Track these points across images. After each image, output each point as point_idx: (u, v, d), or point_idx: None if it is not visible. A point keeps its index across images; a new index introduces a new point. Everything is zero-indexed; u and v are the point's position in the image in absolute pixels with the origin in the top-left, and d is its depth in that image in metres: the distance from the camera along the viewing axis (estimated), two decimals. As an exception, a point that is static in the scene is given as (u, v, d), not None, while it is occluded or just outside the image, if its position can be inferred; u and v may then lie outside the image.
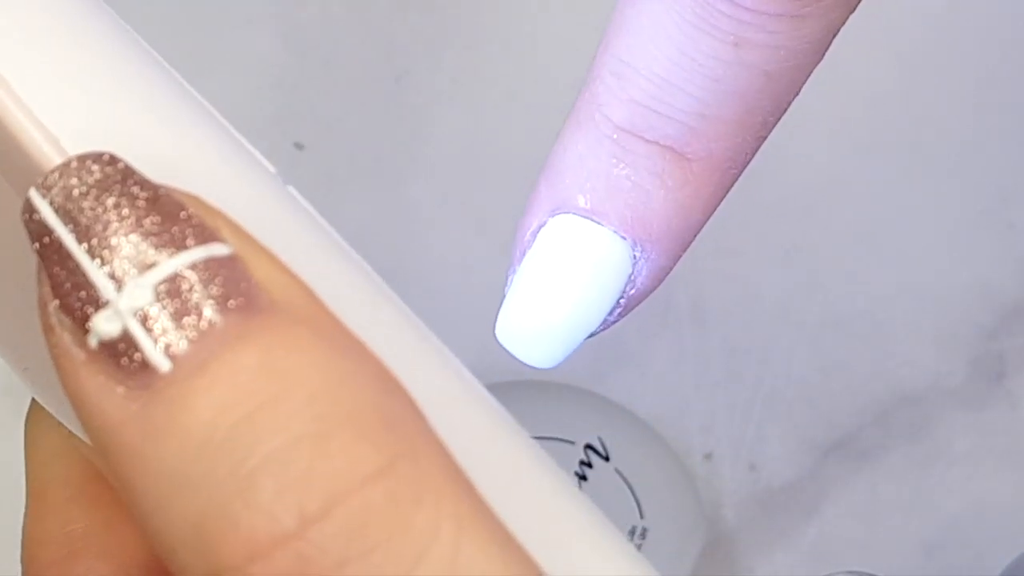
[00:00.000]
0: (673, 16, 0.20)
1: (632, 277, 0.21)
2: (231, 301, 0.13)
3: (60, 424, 0.20)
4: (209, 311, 0.13)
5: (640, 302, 0.22)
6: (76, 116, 0.15)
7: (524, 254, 0.22)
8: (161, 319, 0.13)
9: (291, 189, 0.16)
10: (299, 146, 0.47)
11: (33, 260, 0.15)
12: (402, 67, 0.49)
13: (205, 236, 0.13)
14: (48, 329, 0.14)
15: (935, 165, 0.50)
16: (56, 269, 0.13)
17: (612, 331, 0.52)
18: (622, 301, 0.22)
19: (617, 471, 0.45)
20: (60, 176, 0.14)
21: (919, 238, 0.49)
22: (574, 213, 0.21)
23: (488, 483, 0.13)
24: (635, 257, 0.21)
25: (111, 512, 0.20)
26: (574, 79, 0.23)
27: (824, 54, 0.21)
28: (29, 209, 0.14)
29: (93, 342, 0.13)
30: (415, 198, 0.48)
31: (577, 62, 0.24)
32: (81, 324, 0.13)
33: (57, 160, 0.14)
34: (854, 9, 0.20)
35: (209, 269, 0.13)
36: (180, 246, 0.13)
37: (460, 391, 0.15)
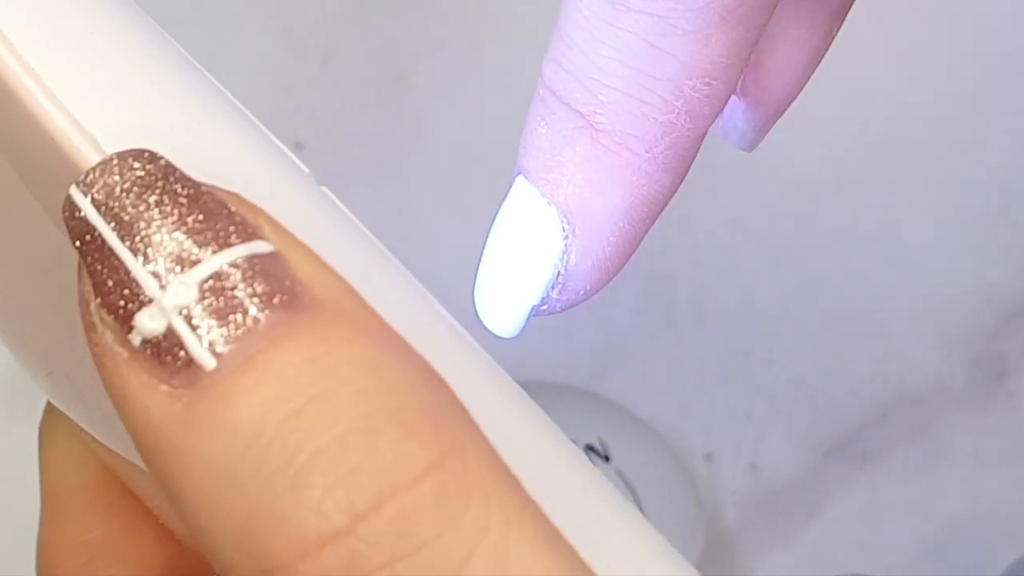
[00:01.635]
0: None
1: (565, 252, 0.21)
2: (275, 298, 0.13)
3: (75, 430, 0.20)
4: (254, 308, 0.13)
5: (584, 289, 0.22)
6: (112, 115, 0.15)
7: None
8: (206, 316, 0.13)
9: (325, 190, 0.16)
10: (299, 146, 0.47)
11: (63, 267, 0.15)
12: (402, 67, 0.49)
13: (248, 233, 0.13)
14: (89, 327, 0.13)
15: (936, 165, 0.50)
16: (98, 267, 0.13)
17: (612, 331, 0.51)
18: (560, 278, 0.22)
19: (617, 471, 0.45)
20: (101, 173, 0.13)
21: (920, 238, 0.49)
22: (520, 173, 0.22)
23: (530, 483, 0.13)
24: (564, 230, 0.21)
25: (128, 519, 0.19)
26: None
27: (728, 36, 0.20)
28: (70, 207, 0.14)
29: (136, 340, 0.13)
30: (415, 197, 0.48)
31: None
32: (124, 322, 0.13)
33: (96, 159, 0.14)
34: None
35: (253, 266, 0.13)
36: (223, 243, 0.13)
37: (499, 392, 0.15)
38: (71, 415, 0.20)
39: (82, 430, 0.20)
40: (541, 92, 0.21)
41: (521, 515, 0.13)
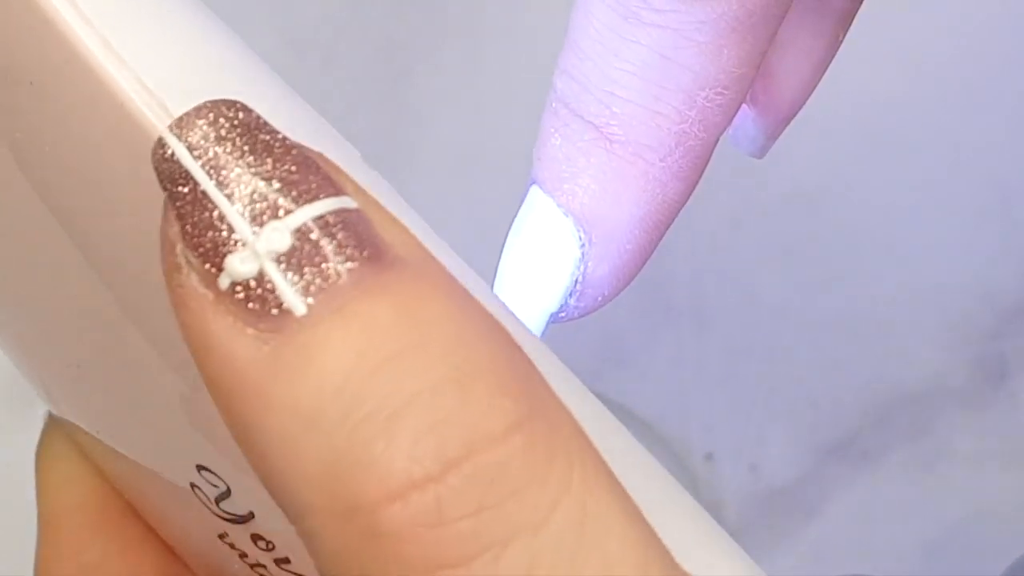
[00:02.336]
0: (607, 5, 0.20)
1: (583, 260, 0.22)
2: (364, 251, 0.13)
3: (73, 450, 0.20)
4: (343, 260, 0.13)
5: (601, 296, 0.22)
6: (177, 81, 0.15)
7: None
8: (296, 264, 0.13)
9: (376, 174, 0.16)
10: (299, 146, 0.47)
11: (65, 263, 0.15)
12: (402, 67, 0.49)
13: (336, 189, 0.14)
14: (173, 268, 0.14)
15: (936, 165, 0.50)
16: (188, 209, 0.13)
17: (612, 331, 0.52)
18: (578, 286, 0.22)
19: (617, 472, 0.45)
20: (196, 118, 0.14)
21: (920, 238, 0.49)
22: (535, 183, 0.22)
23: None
24: (580, 239, 0.22)
25: (126, 540, 0.20)
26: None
27: (739, 47, 0.20)
28: (161, 148, 0.14)
29: (224, 283, 0.13)
30: (415, 197, 0.48)
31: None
32: (213, 264, 0.13)
33: (166, 123, 0.14)
34: None
35: (341, 219, 0.13)
36: (315, 196, 0.13)
37: (562, 383, 0.15)
38: (76, 417, 0.19)
39: (83, 440, 0.20)
40: (554, 104, 0.22)
41: (599, 476, 0.13)
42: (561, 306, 0.22)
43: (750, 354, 0.48)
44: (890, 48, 0.50)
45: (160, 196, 0.14)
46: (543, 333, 0.22)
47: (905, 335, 0.49)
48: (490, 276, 0.23)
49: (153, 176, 0.14)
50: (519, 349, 0.14)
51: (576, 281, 0.22)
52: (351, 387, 0.13)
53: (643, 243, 0.22)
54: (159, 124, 0.14)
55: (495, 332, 0.14)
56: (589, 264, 0.22)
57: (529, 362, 0.14)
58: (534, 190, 0.22)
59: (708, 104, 0.21)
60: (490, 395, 0.13)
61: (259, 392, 0.13)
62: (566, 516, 0.13)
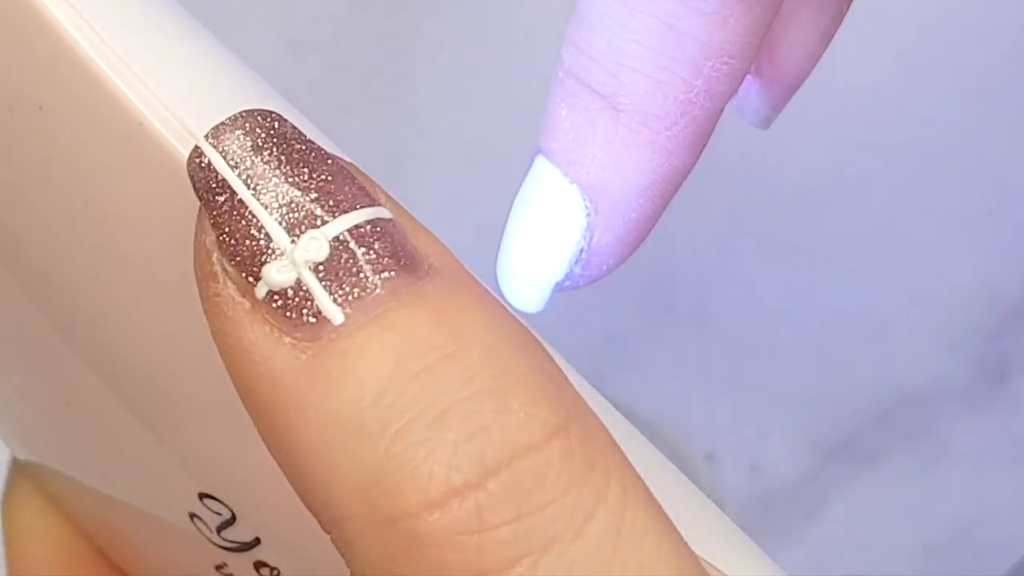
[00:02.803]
0: None
1: (588, 229, 0.22)
2: (401, 261, 0.13)
3: (40, 498, 0.20)
4: (380, 269, 0.13)
5: (606, 264, 0.22)
6: (195, 102, 0.15)
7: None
8: (333, 273, 0.13)
9: (380, 186, 0.16)
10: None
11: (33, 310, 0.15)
12: (402, 67, 0.49)
13: (371, 199, 0.14)
14: (209, 277, 0.14)
15: (937, 165, 0.50)
16: (225, 218, 0.13)
17: (613, 331, 0.51)
18: (584, 255, 0.22)
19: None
20: (232, 128, 0.14)
21: (922, 238, 0.49)
22: (542, 153, 0.22)
23: None
24: (587, 208, 0.22)
25: None
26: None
27: (745, 16, 0.20)
28: (198, 156, 0.14)
29: (261, 292, 0.13)
30: (415, 197, 0.48)
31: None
32: (250, 273, 0.13)
33: (189, 145, 0.14)
34: None
35: (377, 229, 0.14)
36: (351, 206, 0.14)
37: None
38: (59, 460, 0.19)
39: (52, 487, 0.20)
40: (561, 75, 0.22)
41: (636, 486, 0.13)
42: (566, 275, 0.22)
43: (751, 354, 0.48)
44: (890, 47, 0.50)
45: (177, 216, 0.14)
46: (547, 302, 0.22)
47: (906, 335, 0.48)
48: (488, 272, 0.23)
49: (171, 197, 0.14)
50: (551, 359, 0.14)
51: (582, 250, 0.22)
52: (390, 396, 0.13)
53: (648, 211, 0.22)
54: (178, 144, 0.14)
55: (530, 342, 0.14)
56: (595, 232, 0.22)
57: (561, 372, 0.14)
58: (539, 160, 0.22)
59: (714, 73, 0.21)
60: (529, 404, 0.13)
61: (297, 401, 0.13)
62: (603, 524, 0.13)
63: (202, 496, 0.17)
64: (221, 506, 0.17)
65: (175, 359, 0.16)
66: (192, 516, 0.18)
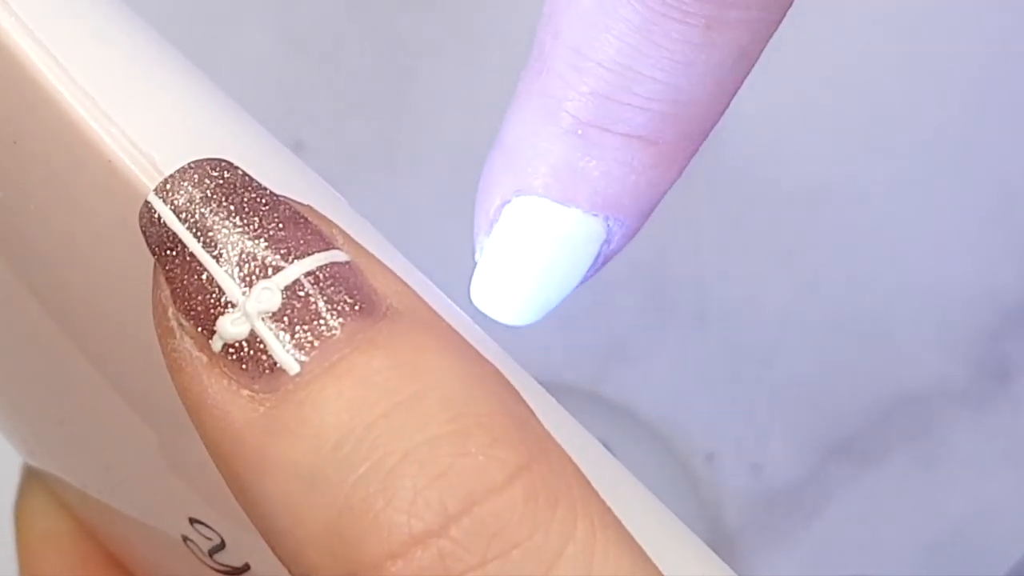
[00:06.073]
0: (629, 1, 0.20)
1: (607, 241, 0.21)
2: (356, 305, 0.13)
3: (51, 503, 0.20)
4: (335, 315, 0.13)
5: (611, 257, 0.22)
6: (165, 135, 0.15)
7: (492, 226, 0.22)
8: (288, 322, 0.13)
9: (364, 221, 0.16)
10: (300, 145, 0.47)
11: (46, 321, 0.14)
12: (402, 67, 0.49)
13: (325, 243, 0.14)
14: (166, 333, 0.14)
15: (937, 165, 0.50)
16: (177, 272, 0.13)
17: (613, 331, 0.51)
18: (599, 260, 0.22)
19: (618, 472, 0.44)
20: (180, 180, 0.14)
21: (922, 238, 0.49)
22: (540, 196, 0.21)
23: None
24: (609, 227, 0.21)
25: None
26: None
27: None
28: (148, 212, 0.14)
29: (217, 345, 0.13)
30: (415, 197, 0.48)
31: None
32: (204, 327, 0.13)
33: (156, 180, 0.14)
34: None
35: (332, 274, 0.13)
36: (304, 252, 0.13)
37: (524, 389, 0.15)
38: (61, 471, 0.19)
39: (62, 492, 0.20)
40: (580, 131, 0.21)
41: (604, 519, 0.13)
42: (576, 285, 0.22)
43: (751, 354, 0.48)
44: (891, 48, 0.50)
45: (147, 253, 0.14)
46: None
47: (906, 335, 0.48)
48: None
49: (140, 234, 0.14)
50: (515, 393, 0.14)
51: (598, 257, 0.22)
52: (348, 444, 0.13)
53: (656, 203, 0.22)
54: (148, 182, 0.14)
55: (490, 378, 0.13)
56: (614, 240, 0.21)
57: (526, 406, 0.14)
58: (535, 200, 0.21)
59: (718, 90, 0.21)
60: (487, 446, 0.13)
61: (257, 454, 0.13)
62: (573, 563, 0.13)
63: (192, 521, 0.17)
64: (211, 531, 0.17)
65: (149, 403, 0.16)
66: (185, 539, 0.18)
